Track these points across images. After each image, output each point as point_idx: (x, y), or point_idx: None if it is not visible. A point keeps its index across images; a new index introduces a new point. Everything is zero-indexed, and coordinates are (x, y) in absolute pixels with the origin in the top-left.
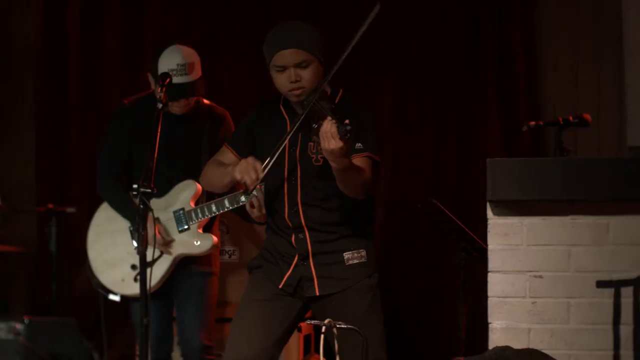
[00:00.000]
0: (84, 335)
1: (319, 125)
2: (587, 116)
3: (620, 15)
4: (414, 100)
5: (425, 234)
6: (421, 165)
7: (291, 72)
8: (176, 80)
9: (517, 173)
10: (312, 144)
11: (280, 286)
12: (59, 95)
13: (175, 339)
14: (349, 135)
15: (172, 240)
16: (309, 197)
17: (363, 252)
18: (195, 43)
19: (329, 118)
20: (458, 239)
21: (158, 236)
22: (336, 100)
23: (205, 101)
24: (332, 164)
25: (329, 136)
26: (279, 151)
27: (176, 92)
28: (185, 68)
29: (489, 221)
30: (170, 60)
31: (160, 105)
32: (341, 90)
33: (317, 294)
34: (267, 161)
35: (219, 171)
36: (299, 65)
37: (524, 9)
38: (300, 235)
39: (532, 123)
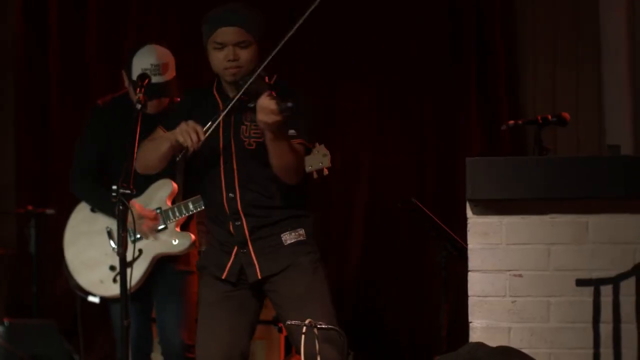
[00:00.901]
0: (64, 337)
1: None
2: (566, 115)
3: (598, 14)
4: (394, 100)
5: (406, 233)
6: (403, 165)
7: (230, 50)
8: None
9: (496, 172)
10: (244, 127)
11: (223, 277)
12: (39, 96)
13: (156, 339)
14: (289, 111)
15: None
16: (245, 181)
17: (301, 231)
18: (176, 42)
19: (268, 93)
20: (439, 238)
21: (152, 221)
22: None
23: (178, 100)
24: (268, 135)
25: (267, 111)
26: (217, 122)
27: (149, 92)
28: (159, 68)
29: (469, 220)
30: (145, 60)
31: (139, 106)
32: (275, 76)
33: (259, 277)
34: (208, 125)
35: (154, 143)
36: (238, 45)
37: (503, 10)
38: (237, 222)
39: (511, 122)
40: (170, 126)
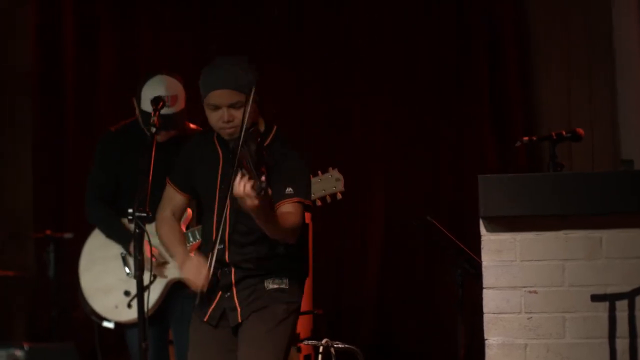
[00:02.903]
0: None
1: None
2: (580, 130)
3: (611, 27)
4: (408, 118)
5: (422, 252)
6: (417, 184)
7: (224, 112)
8: None
9: (509, 189)
10: None
11: (205, 319)
12: (55, 120)
13: None
14: (263, 191)
15: (165, 263)
16: (236, 235)
17: (285, 280)
18: (188, 66)
19: (243, 175)
20: (455, 256)
21: (153, 259)
22: (267, 142)
23: (192, 125)
24: (254, 216)
25: (244, 195)
26: (219, 237)
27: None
28: (168, 100)
29: (482, 238)
30: (153, 91)
31: (153, 130)
32: (275, 128)
33: (240, 321)
34: (209, 259)
35: (169, 245)
36: (232, 106)
37: (516, 23)
38: (226, 270)
39: (526, 138)
40: (177, 180)
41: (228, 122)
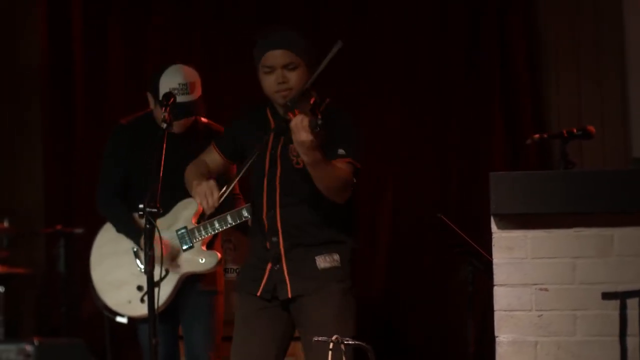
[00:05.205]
0: (94, 356)
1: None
2: (591, 128)
3: (622, 25)
4: (418, 115)
5: (432, 249)
6: (427, 181)
7: (279, 73)
8: (177, 99)
9: (520, 186)
10: (293, 146)
11: (258, 294)
12: (65, 116)
13: (183, 357)
14: (319, 128)
15: (178, 256)
16: (287, 199)
17: (336, 257)
18: (197, 64)
19: (301, 112)
20: (465, 253)
21: (165, 253)
22: (321, 108)
23: (203, 119)
24: (304, 157)
25: (299, 128)
26: (243, 170)
27: (178, 111)
28: (187, 87)
29: (494, 235)
30: (172, 79)
31: (164, 125)
32: (327, 99)
33: (290, 296)
34: (224, 189)
35: (191, 179)
36: (287, 67)
37: (526, 22)
38: (274, 239)
39: (537, 136)
40: (222, 144)
41: (283, 83)
